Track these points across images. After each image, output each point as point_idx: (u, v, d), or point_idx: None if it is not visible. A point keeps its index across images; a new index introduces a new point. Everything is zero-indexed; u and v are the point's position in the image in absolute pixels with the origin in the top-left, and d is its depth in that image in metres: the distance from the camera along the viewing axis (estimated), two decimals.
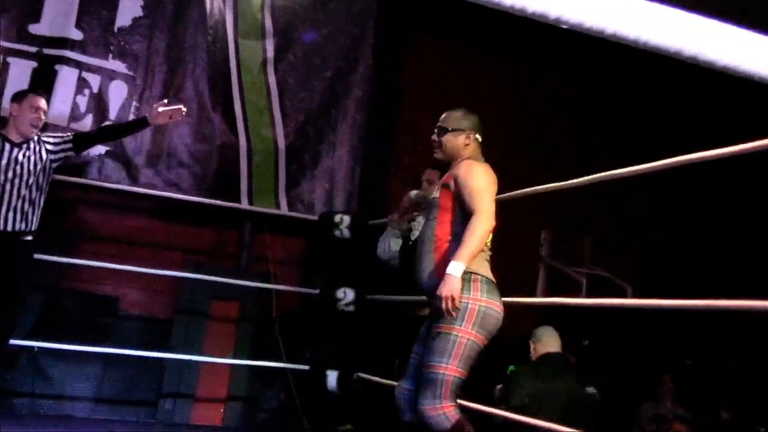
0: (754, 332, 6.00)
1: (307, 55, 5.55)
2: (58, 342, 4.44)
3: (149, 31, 5.12)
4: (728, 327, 5.93)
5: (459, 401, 2.82)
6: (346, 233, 4.93)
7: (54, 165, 3.85)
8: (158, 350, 4.81)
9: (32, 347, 4.51)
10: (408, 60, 6.13)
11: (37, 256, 3.92)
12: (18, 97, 3.84)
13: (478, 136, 3.03)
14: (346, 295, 4.86)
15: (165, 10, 5.18)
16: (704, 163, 2.76)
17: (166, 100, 3.99)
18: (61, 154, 3.87)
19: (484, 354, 2.89)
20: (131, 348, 4.71)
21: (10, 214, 3.69)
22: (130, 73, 5.06)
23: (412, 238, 4.23)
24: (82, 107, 4.91)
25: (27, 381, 4.68)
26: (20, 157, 3.73)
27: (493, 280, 2.87)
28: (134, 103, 5.05)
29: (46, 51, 4.85)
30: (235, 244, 5.48)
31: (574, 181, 3.29)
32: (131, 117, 5.01)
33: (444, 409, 2.70)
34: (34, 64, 4.82)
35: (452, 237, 2.85)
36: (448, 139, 3.01)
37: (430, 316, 2.90)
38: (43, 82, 4.66)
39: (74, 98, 4.89)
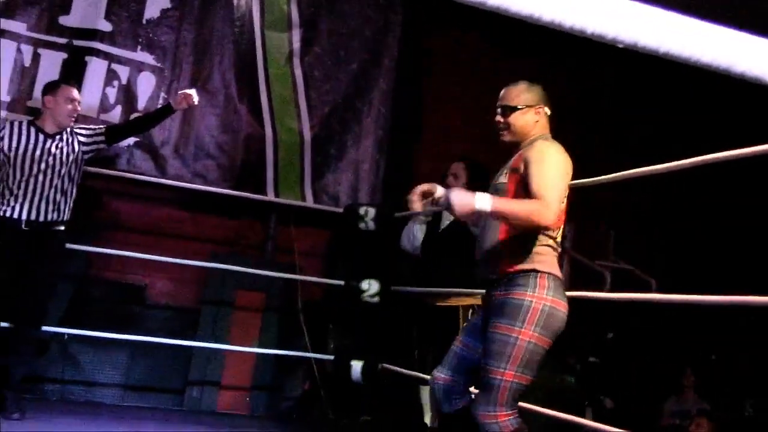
0: None
1: (333, 48, 5.57)
2: (88, 330, 4.52)
3: (177, 23, 5.15)
4: (751, 321, 5.91)
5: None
6: (371, 225, 4.96)
7: (86, 157, 3.92)
8: (184, 338, 4.87)
9: (62, 334, 4.59)
10: (433, 53, 6.12)
11: (67, 245, 3.99)
12: (51, 88, 3.89)
13: (547, 109, 2.75)
14: (371, 286, 4.89)
15: (193, 2, 5.21)
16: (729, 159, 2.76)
17: (192, 90, 4.08)
18: (94, 146, 3.93)
19: None
20: (158, 336, 4.78)
21: (43, 205, 3.76)
22: (159, 65, 5.11)
23: (441, 227, 4.27)
24: (111, 98, 4.97)
25: (57, 368, 4.77)
26: (53, 148, 3.79)
27: (561, 277, 2.64)
28: (162, 94, 5.10)
29: (76, 42, 4.90)
30: (260, 235, 5.52)
31: (601, 177, 3.28)
32: None
33: (498, 418, 2.50)
34: (64, 55, 4.87)
35: (517, 228, 2.57)
36: (517, 118, 2.72)
37: (486, 309, 2.69)
38: (73, 74, 4.70)
39: (104, 89, 4.94)
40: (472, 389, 2.81)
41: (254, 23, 5.38)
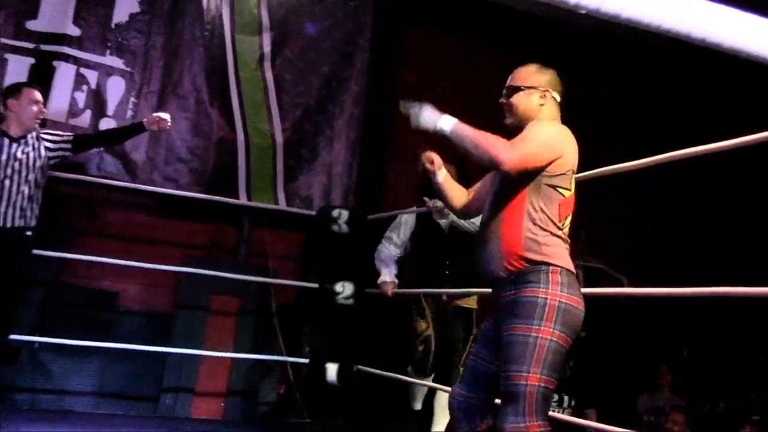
0: (746, 321, 6.05)
1: (304, 51, 5.58)
2: (59, 337, 4.46)
3: (146, 27, 5.13)
4: (723, 317, 5.99)
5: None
6: (344, 228, 4.96)
7: (51, 162, 3.88)
8: (158, 344, 4.83)
9: (33, 342, 4.53)
10: (405, 54, 6.14)
11: (37, 251, 3.95)
12: (13, 91, 3.84)
13: (555, 94, 2.53)
14: (345, 288, 4.89)
15: (162, 5, 5.19)
16: (696, 156, 2.80)
17: (166, 114, 4.07)
18: (60, 153, 3.89)
19: None
20: (131, 343, 4.73)
21: (10, 211, 3.71)
22: (128, 69, 5.08)
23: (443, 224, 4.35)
24: (81, 103, 4.93)
25: (28, 376, 4.70)
26: (19, 153, 3.74)
27: (574, 270, 2.40)
28: (132, 98, 5.07)
29: (44, 47, 4.86)
30: (233, 239, 5.50)
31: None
32: (129, 113, 5.05)
33: (529, 429, 2.22)
34: (31, 60, 4.83)
35: (523, 217, 2.37)
36: (520, 100, 2.51)
37: (496, 312, 2.46)
38: (41, 79, 4.66)
39: (72, 94, 4.90)
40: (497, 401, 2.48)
41: (224, 27, 5.37)
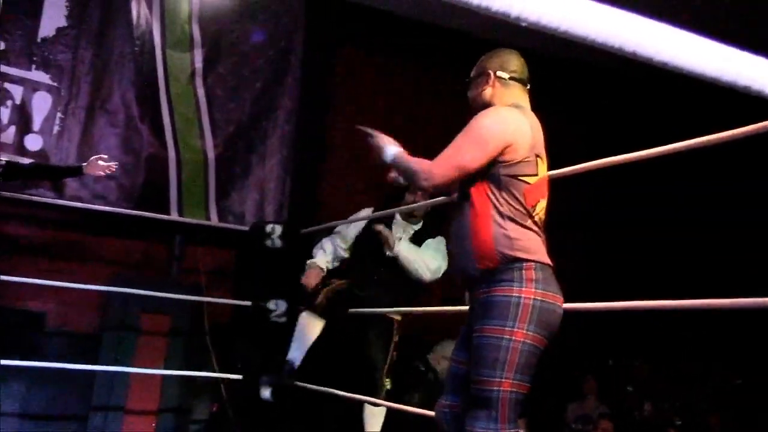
0: (667, 332, 6.29)
1: (236, 67, 5.58)
2: None
3: (74, 42, 5.05)
4: (644, 327, 6.20)
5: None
6: (278, 243, 4.96)
7: None
8: (87, 364, 4.73)
9: None
10: (336, 72, 6.21)
11: None
12: None
13: (502, 74, 2.41)
14: (278, 306, 4.89)
15: (90, 20, 5.12)
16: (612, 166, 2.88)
17: (105, 156, 3.96)
18: None
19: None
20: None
21: None
22: (55, 84, 4.99)
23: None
24: (5, 119, 4.82)
25: None
26: None
27: (549, 263, 2.28)
28: (59, 114, 4.98)
29: None
30: (165, 256, 5.44)
31: None
32: (56, 128, 4.95)
33: None
34: None
35: (491, 212, 2.27)
36: (472, 93, 2.49)
37: (471, 313, 2.37)
38: None
39: None
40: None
41: (155, 42, 5.33)
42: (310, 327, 4.20)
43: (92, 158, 3.95)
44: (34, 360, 4.59)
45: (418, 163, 2.35)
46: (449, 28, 6.28)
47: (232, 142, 5.53)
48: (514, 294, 2.18)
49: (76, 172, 4.00)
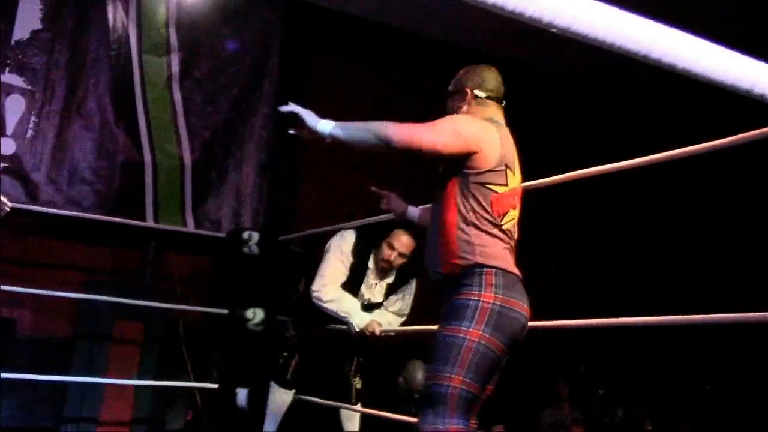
0: (638, 338, 6.39)
1: (213, 72, 5.54)
2: None
3: (49, 45, 4.98)
4: (615, 334, 6.29)
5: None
6: (255, 249, 4.92)
7: None
8: (58, 373, 4.63)
9: None
10: (312, 78, 6.20)
11: None
12: None
13: (479, 92, 2.45)
14: (256, 315, 4.84)
15: (65, 23, 5.05)
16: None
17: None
18: None
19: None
20: (30, 372, 4.52)
21: None
22: (29, 87, 4.90)
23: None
24: None
25: None
26: None
27: (515, 272, 2.30)
28: (33, 117, 4.89)
29: None
30: (139, 263, 5.36)
31: None
32: (30, 132, 4.88)
33: (449, 431, 2.14)
34: None
35: (456, 218, 2.30)
36: (449, 105, 2.51)
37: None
38: None
39: None
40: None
41: (131, 47, 5.27)
42: (283, 401, 4.20)
43: None
44: (4, 369, 4.49)
45: (369, 123, 2.25)
46: (428, 35, 6.32)
47: (209, 147, 5.48)
48: (473, 297, 2.20)
49: None
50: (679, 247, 6.45)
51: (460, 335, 2.16)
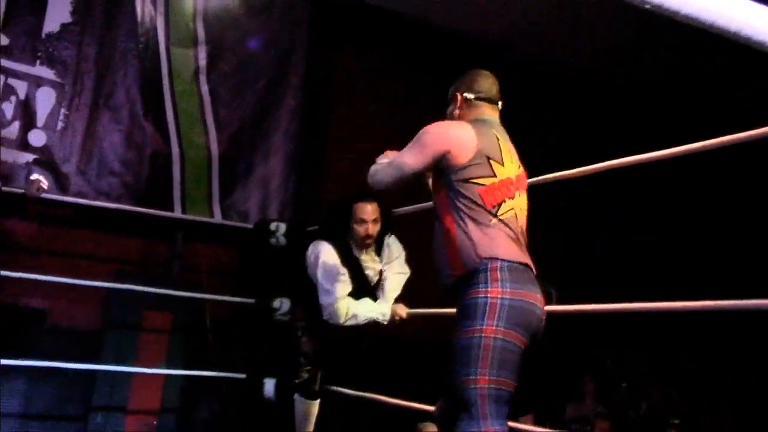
0: (667, 332, 6.33)
1: (240, 65, 5.58)
2: None
3: (78, 38, 5.02)
4: (644, 327, 6.24)
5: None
6: (282, 240, 4.95)
7: None
8: (88, 362, 4.69)
9: None
10: (339, 71, 6.21)
11: None
12: None
13: (468, 94, 2.51)
14: (283, 305, 4.87)
15: (94, 16, 5.09)
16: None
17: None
18: None
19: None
20: (60, 361, 4.58)
21: None
22: (59, 80, 4.95)
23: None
24: (8, 114, 4.78)
25: None
26: None
27: (522, 261, 2.29)
28: (63, 110, 4.94)
29: None
30: (167, 253, 5.41)
31: None
32: (60, 124, 4.93)
33: None
34: None
35: (454, 219, 2.32)
36: (446, 112, 2.60)
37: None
38: None
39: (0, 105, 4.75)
40: None
41: (159, 39, 5.31)
42: (310, 412, 4.13)
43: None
44: (35, 358, 4.55)
45: (369, 177, 2.61)
46: (453, 29, 6.31)
47: (236, 139, 5.52)
48: (480, 295, 2.18)
49: None
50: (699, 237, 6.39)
51: (476, 335, 2.13)
